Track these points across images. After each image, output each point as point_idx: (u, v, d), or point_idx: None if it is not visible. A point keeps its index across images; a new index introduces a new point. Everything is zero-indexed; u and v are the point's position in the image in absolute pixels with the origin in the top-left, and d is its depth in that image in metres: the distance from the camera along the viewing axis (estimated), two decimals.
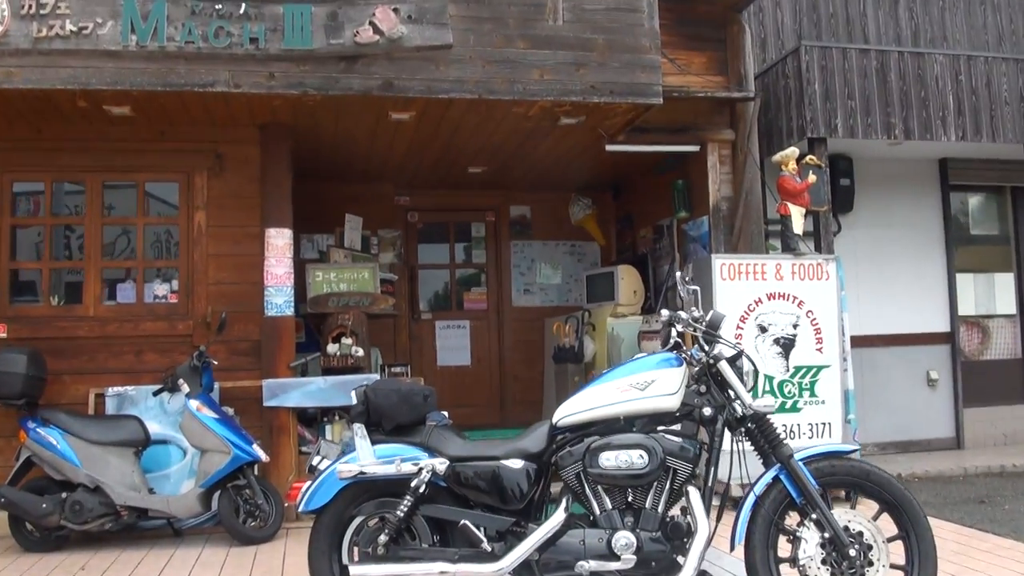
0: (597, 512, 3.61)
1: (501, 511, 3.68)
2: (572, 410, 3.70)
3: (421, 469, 3.71)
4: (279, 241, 6.71)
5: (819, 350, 6.70)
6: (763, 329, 6.70)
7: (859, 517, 3.55)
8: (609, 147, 7.35)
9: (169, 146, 6.75)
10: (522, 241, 9.61)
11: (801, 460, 3.57)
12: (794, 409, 6.65)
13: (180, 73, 5.82)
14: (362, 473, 3.76)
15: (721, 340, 3.70)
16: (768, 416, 3.65)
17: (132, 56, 5.74)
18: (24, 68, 5.71)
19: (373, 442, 3.87)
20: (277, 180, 6.79)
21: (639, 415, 3.66)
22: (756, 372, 3.74)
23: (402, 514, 3.68)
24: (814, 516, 3.50)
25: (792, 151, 6.82)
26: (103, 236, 6.70)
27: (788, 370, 6.68)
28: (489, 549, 3.61)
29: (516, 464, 3.67)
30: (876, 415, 8.32)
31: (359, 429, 3.89)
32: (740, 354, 3.71)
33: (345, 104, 6.31)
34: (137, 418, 6.00)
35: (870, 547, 3.45)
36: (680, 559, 3.47)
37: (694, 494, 3.54)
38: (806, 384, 6.68)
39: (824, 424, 6.67)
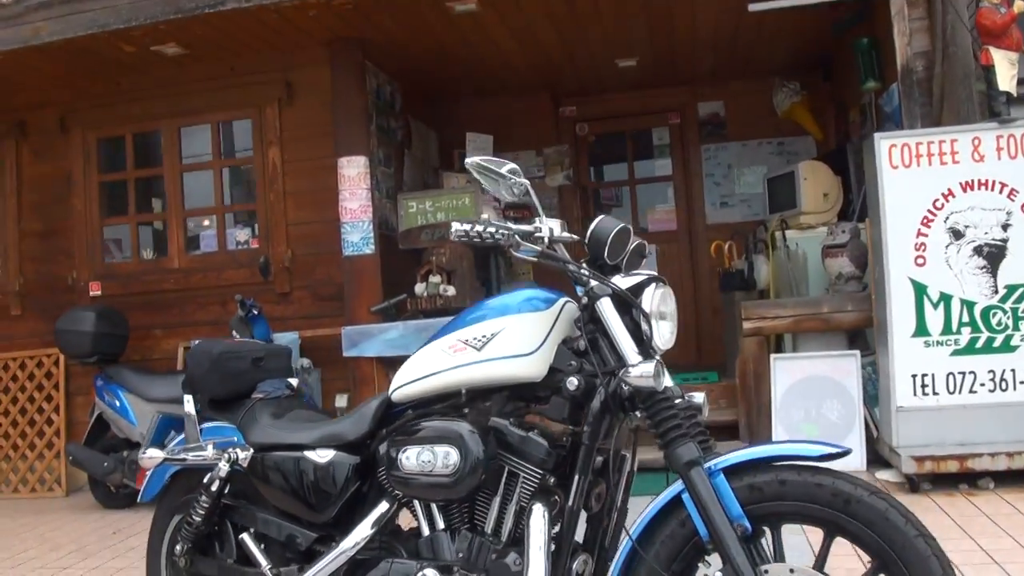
0: (425, 533, 2.40)
1: (304, 521, 2.61)
2: (403, 379, 2.48)
3: (219, 460, 2.74)
4: (351, 171, 6.03)
5: None
6: (957, 234, 4.84)
7: None
8: (752, 6, 5.68)
9: (239, 80, 6.43)
10: (715, 144, 8.04)
11: (723, 469, 2.06)
12: (1007, 348, 4.77)
13: None
14: (167, 460, 2.88)
15: (609, 267, 2.28)
16: (666, 394, 2.12)
17: None
18: (49, 20, 5.68)
19: (204, 419, 2.95)
20: (348, 103, 6.15)
21: (489, 386, 2.35)
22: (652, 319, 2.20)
23: (198, 517, 2.76)
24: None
25: None
26: (182, 184, 6.33)
27: (997, 291, 4.76)
28: None
29: (323, 457, 2.56)
30: None
31: (187, 401, 3.01)
32: (641, 287, 2.24)
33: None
34: None
35: None
36: None
37: (536, 516, 2.18)
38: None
39: None
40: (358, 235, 6.02)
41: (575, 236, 2.31)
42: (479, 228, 2.17)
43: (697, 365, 7.62)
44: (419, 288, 6.15)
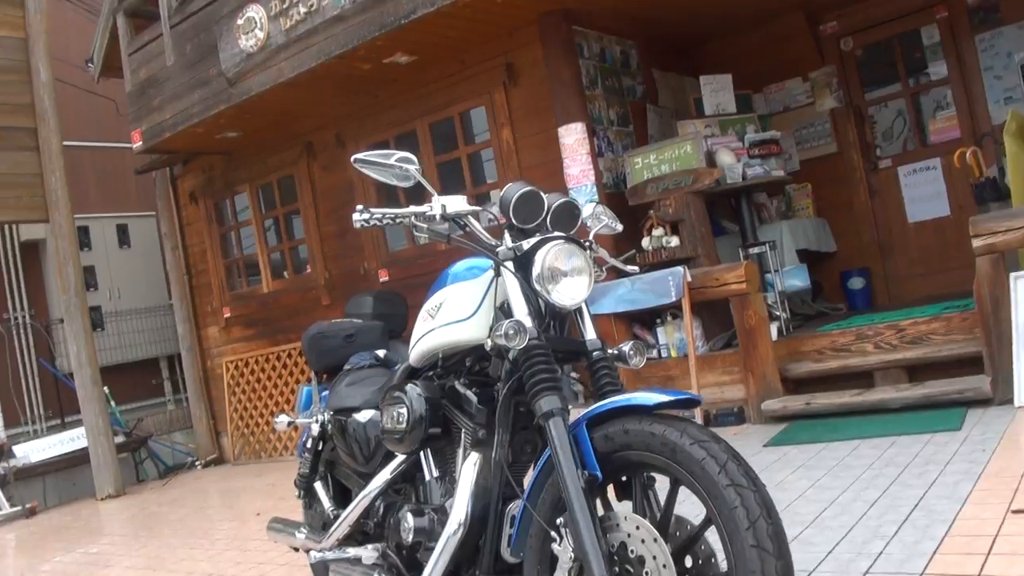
0: (427, 479, 2.84)
1: (361, 474, 3.18)
2: (411, 345, 2.92)
3: (311, 422, 3.44)
4: (568, 139, 6.51)
5: None
6: None
7: (648, 533, 2.01)
8: None
9: (469, 72, 7.14)
10: (988, 32, 7.20)
11: (587, 420, 2.17)
12: None
13: (389, 11, 6.15)
14: (289, 423, 3.64)
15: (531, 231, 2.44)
16: (535, 352, 2.26)
17: (351, 13, 6.28)
18: (289, 59, 6.67)
19: (323, 388, 3.67)
20: (560, 74, 6.66)
21: (453, 350, 2.68)
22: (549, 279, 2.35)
23: (304, 468, 3.47)
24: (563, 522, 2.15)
25: None
26: (438, 174, 7.12)
27: None
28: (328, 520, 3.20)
29: (364, 417, 3.14)
30: None
31: (313, 375, 3.76)
32: (532, 252, 2.36)
33: None
34: None
35: None
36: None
37: (466, 464, 2.51)
38: None
39: None
40: (582, 198, 6.38)
41: (476, 207, 2.54)
42: (378, 215, 2.49)
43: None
44: (645, 242, 6.37)
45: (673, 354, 6.33)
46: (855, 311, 7.28)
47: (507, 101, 6.90)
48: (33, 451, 9.16)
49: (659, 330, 6.41)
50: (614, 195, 6.67)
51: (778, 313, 6.31)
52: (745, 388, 5.89)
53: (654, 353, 6.47)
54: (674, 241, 6.29)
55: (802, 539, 3.33)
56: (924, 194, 7.59)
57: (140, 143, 8.42)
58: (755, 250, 6.55)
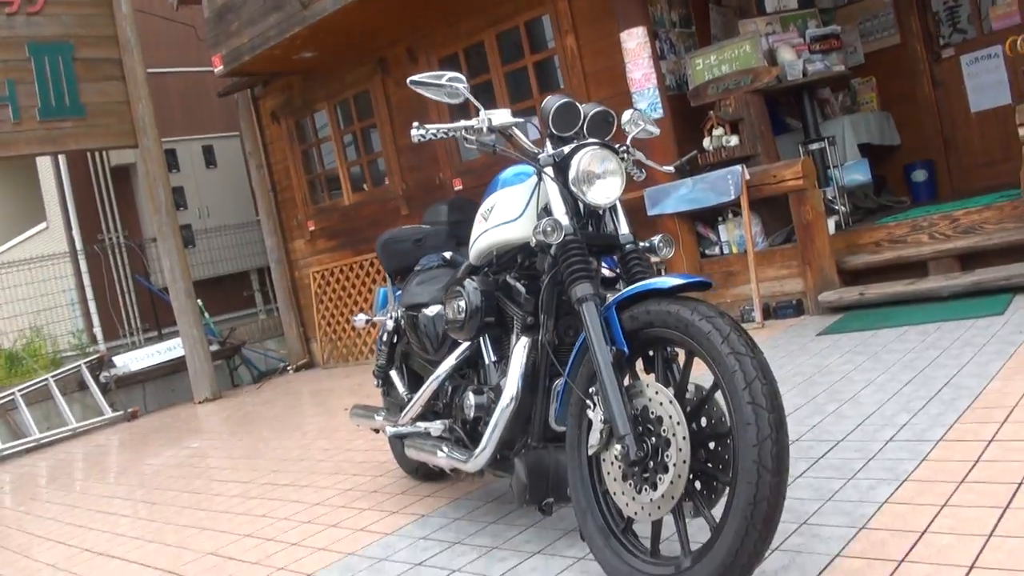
0: (486, 363, 3.21)
1: (430, 362, 3.57)
2: (470, 245, 3.27)
3: (385, 318, 3.85)
4: (630, 43, 6.70)
5: None
6: None
7: (665, 396, 2.28)
8: None
9: None
10: None
11: (616, 303, 2.44)
12: None
13: None
14: (367, 321, 4.04)
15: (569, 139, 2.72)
16: (571, 245, 2.55)
17: None
18: None
19: (396, 288, 4.06)
20: None
21: (504, 250, 3.03)
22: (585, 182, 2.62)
23: (382, 360, 3.88)
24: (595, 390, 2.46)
25: None
26: (505, 84, 7.35)
27: None
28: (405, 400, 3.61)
29: (432, 312, 3.51)
30: None
31: (388, 276, 4.14)
32: (568, 157, 2.63)
33: None
34: None
35: (668, 443, 2.23)
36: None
37: (517, 346, 2.86)
38: None
39: None
40: (645, 102, 6.57)
41: (519, 119, 2.83)
42: (432, 130, 2.79)
43: None
44: (705, 142, 6.55)
45: (734, 250, 6.55)
46: (918, 204, 7.36)
47: (570, 8, 7.05)
48: (132, 361, 9.89)
49: (720, 227, 6.62)
50: (676, 97, 6.82)
51: (837, 207, 6.46)
52: (803, 281, 6.10)
53: (716, 250, 6.70)
54: (734, 140, 6.45)
55: (837, 413, 3.62)
56: (986, 83, 7.53)
57: (220, 67, 8.82)
58: (814, 146, 6.67)
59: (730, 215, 6.55)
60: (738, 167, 6.18)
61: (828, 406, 3.76)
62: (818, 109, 7.32)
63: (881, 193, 7.62)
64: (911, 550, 2.27)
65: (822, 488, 2.84)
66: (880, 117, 7.66)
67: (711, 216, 6.70)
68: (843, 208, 6.53)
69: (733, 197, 6.19)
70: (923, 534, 2.34)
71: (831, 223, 6.19)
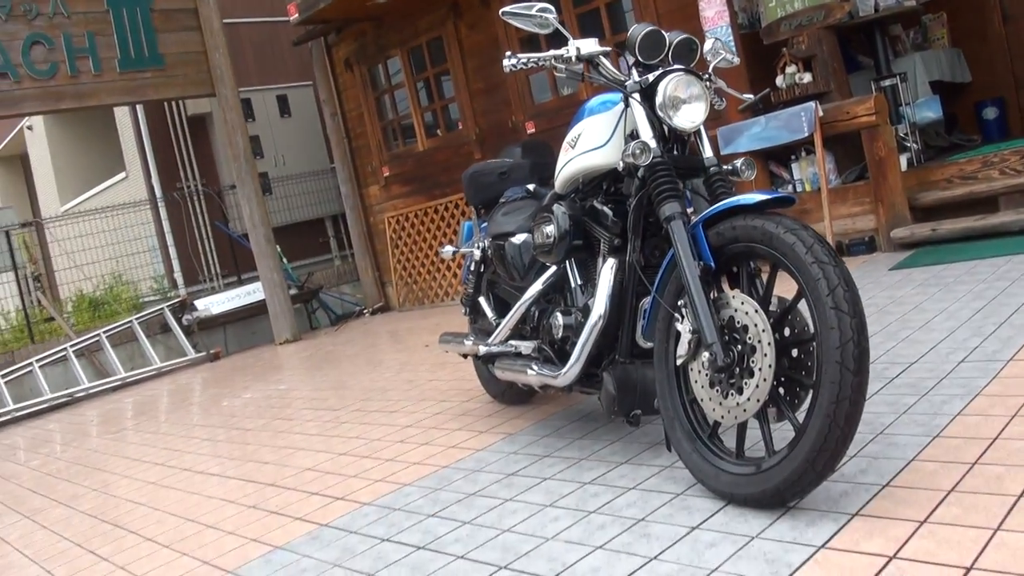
0: (572, 287, 3.41)
1: (517, 288, 3.75)
2: (556, 173, 3.44)
3: (473, 248, 4.05)
4: None
5: None
6: None
7: (750, 306, 2.41)
8: None
9: None
10: None
11: (703, 221, 2.56)
12: None
13: None
14: (454, 252, 4.26)
15: (637, 66, 2.83)
16: (659, 167, 2.67)
17: None
18: None
19: (482, 220, 4.25)
20: None
21: (591, 175, 3.19)
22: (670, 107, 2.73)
23: (470, 288, 4.09)
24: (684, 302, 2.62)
25: None
26: (577, 25, 7.44)
27: None
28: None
29: (519, 239, 3.69)
30: None
31: (473, 209, 4.33)
32: (655, 83, 2.74)
33: None
34: None
35: (754, 350, 2.37)
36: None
37: (604, 268, 3.04)
38: None
39: None
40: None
41: (606, 48, 2.96)
42: (523, 59, 2.94)
43: None
44: (779, 80, 6.58)
45: (807, 188, 6.60)
46: (990, 142, 7.30)
47: None
48: (213, 304, 10.29)
49: (793, 165, 6.67)
50: (748, 35, 6.85)
51: (909, 144, 6.48)
52: (875, 218, 6.16)
53: (789, 188, 6.76)
54: (807, 77, 6.48)
55: (910, 339, 3.74)
56: None
57: (296, 15, 9.03)
58: (886, 83, 6.66)
59: (803, 153, 6.60)
60: (811, 104, 6.21)
61: (901, 332, 3.88)
62: (889, 46, 7.29)
63: (952, 132, 7.58)
64: (983, 454, 2.40)
65: (897, 403, 2.98)
66: (951, 54, 7.59)
67: (784, 154, 6.75)
68: (915, 145, 6.53)
69: (806, 134, 6.23)
70: (995, 439, 2.48)
71: (903, 160, 6.21)
